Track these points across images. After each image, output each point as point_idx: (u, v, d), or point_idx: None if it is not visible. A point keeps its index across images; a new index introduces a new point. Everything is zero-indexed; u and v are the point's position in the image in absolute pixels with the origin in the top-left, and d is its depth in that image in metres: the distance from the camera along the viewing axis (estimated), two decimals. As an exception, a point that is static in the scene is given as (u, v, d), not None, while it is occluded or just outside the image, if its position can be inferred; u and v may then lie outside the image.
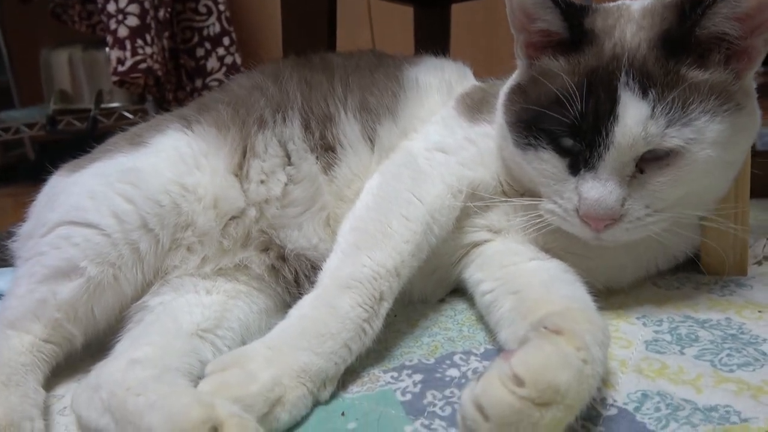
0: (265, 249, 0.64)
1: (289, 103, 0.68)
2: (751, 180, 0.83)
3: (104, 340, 0.58)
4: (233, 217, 0.63)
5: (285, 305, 0.63)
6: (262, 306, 0.61)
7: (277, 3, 1.12)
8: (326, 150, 0.65)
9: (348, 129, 0.66)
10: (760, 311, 0.51)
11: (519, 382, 0.36)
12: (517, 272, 0.55)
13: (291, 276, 0.63)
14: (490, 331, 0.53)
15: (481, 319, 0.56)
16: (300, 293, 0.59)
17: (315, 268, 0.61)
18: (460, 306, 0.61)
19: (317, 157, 0.65)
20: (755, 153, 0.88)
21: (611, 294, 0.58)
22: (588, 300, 0.49)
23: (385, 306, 0.51)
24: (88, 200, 0.59)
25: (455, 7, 1.63)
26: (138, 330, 0.57)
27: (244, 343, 0.58)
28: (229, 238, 0.62)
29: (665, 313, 0.53)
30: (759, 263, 0.61)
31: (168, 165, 0.62)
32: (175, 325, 0.56)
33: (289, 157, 0.65)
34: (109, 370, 0.50)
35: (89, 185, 0.61)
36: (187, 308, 0.58)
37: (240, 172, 0.64)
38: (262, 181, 0.64)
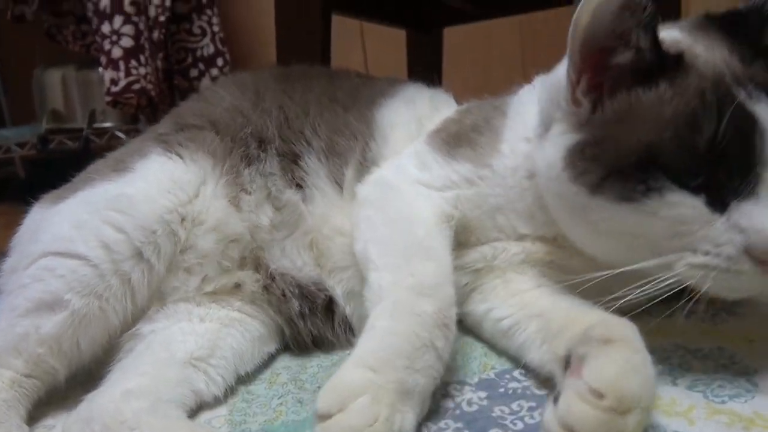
0: (256, 268, 0.64)
1: (268, 139, 0.67)
2: None
3: (93, 368, 0.58)
4: (232, 240, 0.63)
5: (278, 331, 0.63)
6: (255, 334, 0.61)
7: (271, 24, 1.13)
8: (300, 188, 0.65)
9: (314, 172, 0.65)
10: (750, 340, 0.52)
11: (598, 395, 0.38)
12: (532, 297, 0.54)
13: (279, 293, 0.63)
14: (512, 356, 0.53)
15: (493, 347, 0.56)
16: (290, 309, 0.61)
17: (300, 286, 0.62)
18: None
19: (295, 191, 0.65)
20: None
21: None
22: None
23: (454, 311, 0.49)
24: (74, 230, 0.58)
25: (449, 30, 1.65)
26: (130, 359, 0.57)
27: (236, 372, 0.58)
28: (228, 258, 0.63)
29: (657, 342, 0.53)
30: (749, 291, 0.61)
31: (159, 191, 0.61)
32: (168, 354, 0.56)
33: (270, 192, 0.65)
34: (102, 401, 0.49)
35: (74, 214, 0.61)
36: (180, 336, 0.58)
37: (236, 202, 0.64)
38: (251, 212, 0.64)
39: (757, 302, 0.59)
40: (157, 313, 0.61)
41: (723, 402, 0.44)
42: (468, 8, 1.49)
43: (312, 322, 0.62)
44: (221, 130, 0.68)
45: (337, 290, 0.62)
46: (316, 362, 0.60)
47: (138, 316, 0.60)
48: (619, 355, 0.41)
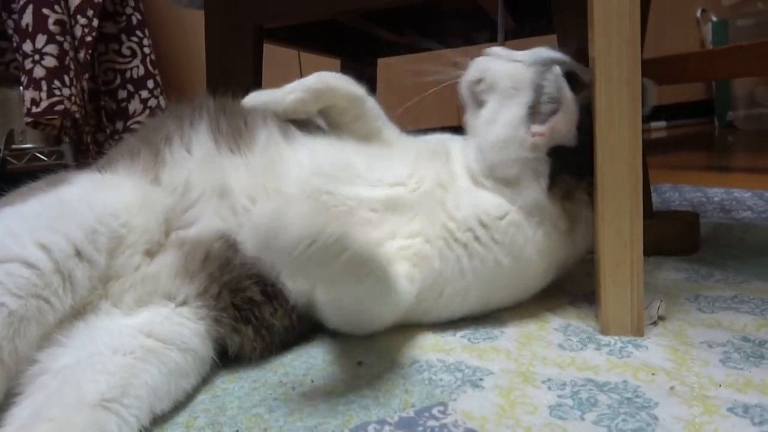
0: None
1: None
2: (660, 238, 0.90)
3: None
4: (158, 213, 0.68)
5: (206, 341, 0.63)
6: (171, 366, 0.59)
7: (202, 46, 1.12)
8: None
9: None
10: (653, 374, 0.55)
11: None
12: None
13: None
14: None
15: (400, 384, 0.57)
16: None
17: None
18: (377, 370, 0.62)
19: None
20: (653, 214, 0.96)
21: (520, 354, 0.61)
22: None
23: None
24: (6, 238, 0.57)
25: (383, 61, 1.68)
26: (38, 400, 0.54)
27: (152, 410, 0.56)
28: (159, 231, 0.68)
29: (569, 376, 0.56)
30: (654, 324, 0.65)
31: (96, 193, 0.65)
32: (77, 395, 0.53)
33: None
34: None
35: (3, 226, 0.59)
36: (91, 375, 0.55)
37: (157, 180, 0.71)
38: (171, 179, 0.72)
39: (663, 333, 0.63)
40: (73, 333, 0.58)
41: (626, 435, 0.46)
42: (400, 41, 1.53)
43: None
44: (142, 138, 0.74)
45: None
46: (237, 397, 0.59)
47: (75, 310, 0.59)
48: None
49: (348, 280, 0.57)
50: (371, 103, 0.80)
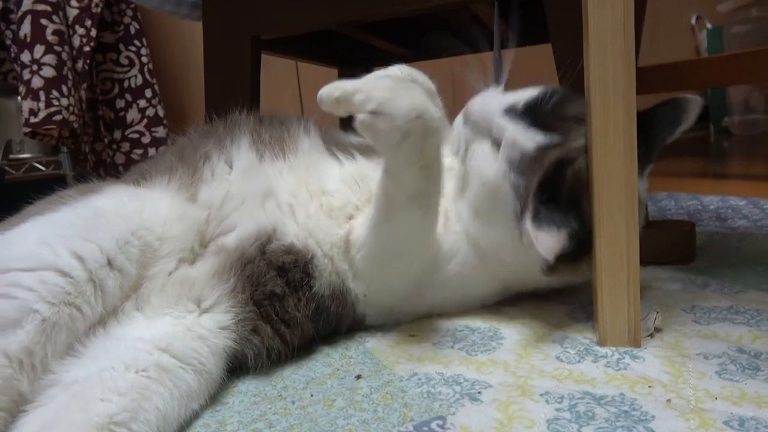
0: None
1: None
2: (656, 248, 0.90)
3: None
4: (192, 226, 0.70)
5: (224, 357, 0.64)
6: (184, 389, 0.58)
7: (201, 55, 1.12)
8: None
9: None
10: (650, 386, 0.55)
11: None
12: None
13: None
14: None
15: (396, 397, 0.57)
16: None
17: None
18: (375, 383, 0.62)
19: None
20: (649, 223, 0.96)
21: (518, 367, 0.61)
22: None
23: None
24: (40, 246, 0.58)
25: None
26: (46, 415, 0.53)
27: None
28: (190, 242, 0.70)
29: (566, 389, 0.56)
30: (651, 335, 0.65)
31: (131, 204, 0.66)
32: (85, 415, 0.53)
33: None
34: None
35: (39, 234, 0.60)
36: (101, 393, 0.54)
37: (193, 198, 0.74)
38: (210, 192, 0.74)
39: (660, 344, 0.63)
40: (90, 340, 0.58)
41: (623, 449, 0.47)
42: (397, 50, 1.54)
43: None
44: (179, 156, 0.76)
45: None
46: (237, 411, 0.59)
47: (105, 317, 0.61)
48: None
49: (415, 158, 0.62)
50: (441, 102, 0.81)
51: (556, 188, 0.65)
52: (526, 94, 0.72)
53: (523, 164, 0.66)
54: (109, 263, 0.60)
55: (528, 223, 0.63)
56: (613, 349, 0.63)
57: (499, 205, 0.68)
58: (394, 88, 0.60)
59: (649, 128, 0.70)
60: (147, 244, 0.65)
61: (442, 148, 0.64)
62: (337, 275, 0.72)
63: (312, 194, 0.74)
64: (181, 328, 0.62)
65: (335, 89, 0.63)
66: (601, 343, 0.64)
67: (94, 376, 0.55)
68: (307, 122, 0.82)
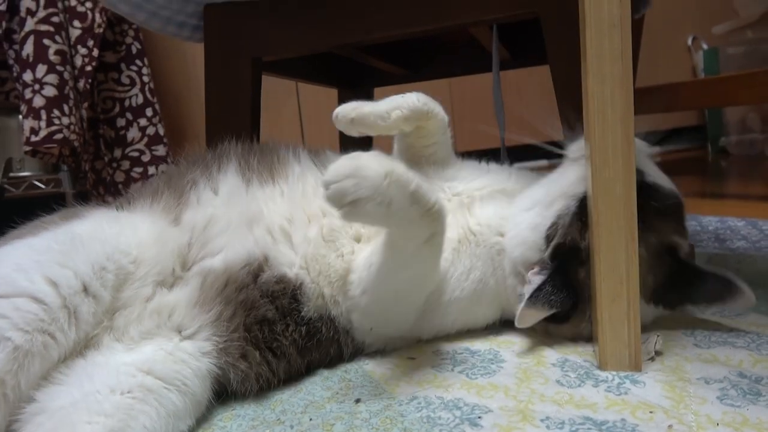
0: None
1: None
2: None
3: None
4: (173, 249, 0.69)
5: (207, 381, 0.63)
6: (170, 408, 0.59)
7: (201, 75, 1.13)
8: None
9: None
10: (651, 411, 0.55)
11: None
12: None
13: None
14: None
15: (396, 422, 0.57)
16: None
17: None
18: (375, 407, 0.61)
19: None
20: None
21: (519, 391, 0.61)
22: None
23: None
24: (15, 272, 0.57)
25: (379, 90, 1.70)
26: None
27: None
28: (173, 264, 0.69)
29: (567, 414, 0.56)
30: (652, 359, 0.65)
31: (110, 230, 0.65)
32: None
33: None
34: None
35: (15, 259, 0.60)
36: (87, 416, 0.54)
37: (177, 221, 0.73)
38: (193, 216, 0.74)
39: (661, 368, 0.63)
40: (72, 370, 0.58)
41: (625, 476, 0.46)
42: (397, 71, 1.55)
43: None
44: (167, 182, 0.76)
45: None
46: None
47: (79, 346, 0.60)
48: None
49: (412, 214, 0.61)
50: (449, 132, 0.83)
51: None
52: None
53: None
54: (85, 289, 0.59)
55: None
56: (614, 373, 0.63)
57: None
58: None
59: (688, 287, 0.71)
60: (121, 267, 0.64)
61: (430, 192, 0.62)
62: (323, 299, 0.71)
63: (311, 217, 0.74)
64: (162, 353, 0.62)
65: (352, 110, 0.67)
66: (602, 366, 0.64)
67: (79, 402, 0.55)
68: (296, 149, 0.81)
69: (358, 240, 0.74)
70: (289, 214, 0.73)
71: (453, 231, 0.74)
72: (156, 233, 0.68)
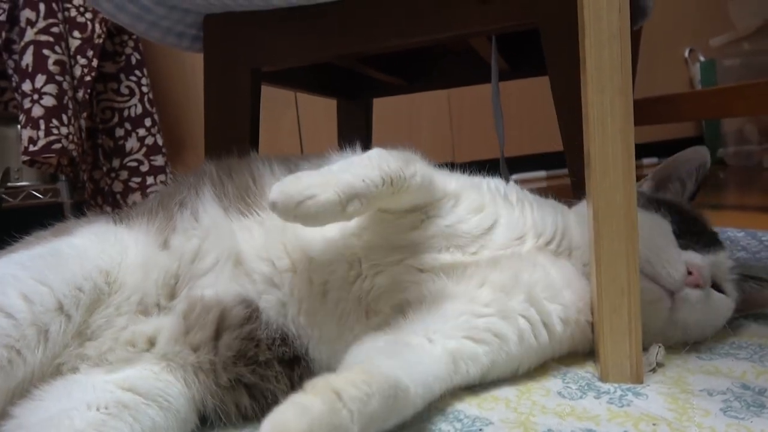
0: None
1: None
2: None
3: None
4: (158, 276, 0.64)
5: (186, 410, 0.60)
6: (147, 425, 0.56)
7: (201, 85, 1.14)
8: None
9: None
10: (654, 424, 0.54)
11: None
12: None
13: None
14: None
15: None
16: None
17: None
18: (374, 419, 0.61)
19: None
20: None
21: (519, 403, 0.60)
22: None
23: None
24: None
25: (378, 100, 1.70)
26: None
27: None
28: (155, 293, 0.64)
29: (569, 426, 0.55)
30: (653, 370, 0.65)
31: (94, 250, 0.63)
32: None
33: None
34: None
35: None
36: None
37: (166, 244, 0.68)
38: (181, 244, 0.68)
39: (663, 380, 0.63)
40: (51, 388, 0.56)
41: (628, 490, 0.46)
42: (395, 82, 1.56)
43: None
44: (161, 201, 0.72)
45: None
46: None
47: (47, 366, 0.58)
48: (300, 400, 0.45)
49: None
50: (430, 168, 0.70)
51: None
52: None
53: None
54: (60, 307, 0.57)
55: None
56: (616, 385, 0.62)
57: None
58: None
59: None
60: (95, 287, 0.60)
61: None
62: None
63: (291, 255, 0.65)
64: (147, 372, 0.60)
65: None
66: (603, 378, 0.63)
67: (54, 418, 0.53)
68: (271, 162, 0.73)
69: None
70: (267, 253, 0.66)
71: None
72: (143, 256, 0.65)
